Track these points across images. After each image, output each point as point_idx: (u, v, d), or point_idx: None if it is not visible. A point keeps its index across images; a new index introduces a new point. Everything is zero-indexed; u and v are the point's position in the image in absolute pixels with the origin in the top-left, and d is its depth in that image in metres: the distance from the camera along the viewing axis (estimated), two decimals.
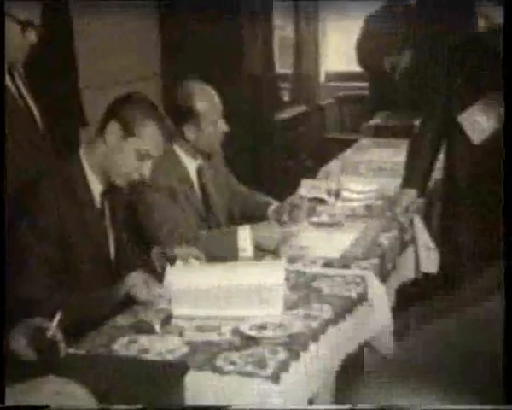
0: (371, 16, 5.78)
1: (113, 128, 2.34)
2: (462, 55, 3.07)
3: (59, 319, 1.87)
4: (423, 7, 5.26)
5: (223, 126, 2.91)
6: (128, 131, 2.34)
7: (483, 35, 2.99)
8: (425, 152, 3.18)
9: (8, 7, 2.46)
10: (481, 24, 2.93)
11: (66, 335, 1.90)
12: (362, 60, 5.70)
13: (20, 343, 1.85)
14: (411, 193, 3.13)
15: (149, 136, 2.35)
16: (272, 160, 5.52)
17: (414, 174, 3.18)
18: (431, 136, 3.16)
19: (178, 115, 2.81)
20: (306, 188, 3.51)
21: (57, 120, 2.87)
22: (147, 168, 2.38)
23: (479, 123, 2.97)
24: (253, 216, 3.04)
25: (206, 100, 2.86)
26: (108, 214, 2.44)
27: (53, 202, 2.27)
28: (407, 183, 3.17)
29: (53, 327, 1.86)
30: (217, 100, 2.89)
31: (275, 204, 3.10)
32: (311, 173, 5.67)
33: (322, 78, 6.81)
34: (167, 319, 2.19)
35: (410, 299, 3.16)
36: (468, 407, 2.20)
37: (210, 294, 2.25)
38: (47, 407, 1.57)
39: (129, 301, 2.30)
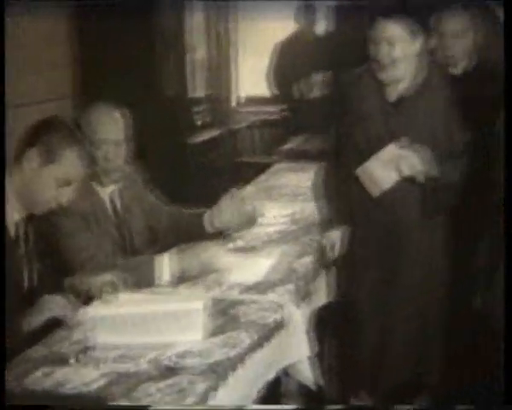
0: (284, 42, 5.87)
1: (32, 155, 2.28)
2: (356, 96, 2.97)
3: None
4: (338, 34, 5.36)
5: (132, 148, 2.88)
6: (48, 158, 2.28)
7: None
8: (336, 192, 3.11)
9: None
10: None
11: None
12: (275, 85, 5.78)
13: None
14: (335, 234, 3.10)
15: (69, 162, 2.31)
16: (186, 184, 5.49)
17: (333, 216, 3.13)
18: (336, 181, 3.10)
19: (87, 140, 2.76)
20: None
21: None
22: (66, 195, 2.33)
23: (377, 177, 2.90)
24: (187, 231, 3.01)
25: (113, 124, 2.83)
26: (24, 243, 2.37)
27: None
28: (329, 225, 3.13)
29: None
30: (125, 123, 2.86)
31: (208, 211, 3.09)
32: None
33: (235, 101, 6.85)
34: (83, 350, 2.13)
35: (325, 324, 3.20)
36: (468, 407, 2.27)
37: (128, 322, 2.21)
38: (49, 407, 1.52)
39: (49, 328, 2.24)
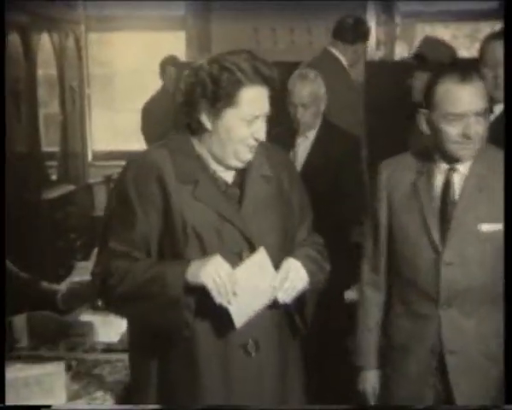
0: (150, 101, 5.89)
1: None
2: None
3: None
4: None
5: None
6: None
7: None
8: None
9: None
10: None
11: None
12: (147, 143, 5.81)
13: None
14: None
15: None
16: (42, 241, 5.35)
17: None
18: None
19: None
20: (81, 270, 3.45)
21: None
22: None
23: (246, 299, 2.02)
24: (38, 305, 2.90)
25: None
26: None
27: None
28: None
29: None
30: None
31: (62, 291, 2.98)
32: (83, 253, 5.60)
33: (90, 156, 6.78)
34: None
35: None
36: (468, 406, 2.19)
37: None
38: (47, 406, 1.42)
39: None
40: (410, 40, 6.29)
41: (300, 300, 2.12)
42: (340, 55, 4.30)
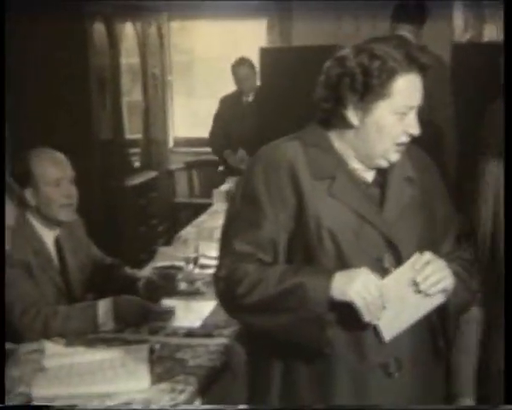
0: (224, 98, 5.92)
1: None
2: None
3: None
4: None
5: (70, 191, 2.84)
6: None
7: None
8: None
9: None
10: None
11: None
12: (212, 146, 5.86)
13: None
14: None
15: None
16: (125, 226, 5.46)
17: None
18: None
19: (21, 181, 2.74)
20: (163, 256, 3.51)
21: None
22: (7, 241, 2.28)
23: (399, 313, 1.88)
24: (121, 289, 2.95)
25: (53, 163, 2.81)
26: None
27: None
28: None
29: None
30: (64, 163, 2.84)
31: (143, 278, 3.03)
32: (164, 238, 5.69)
33: (171, 143, 6.86)
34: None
35: None
36: (468, 407, 2.03)
37: (73, 372, 2.18)
38: (47, 407, 1.46)
39: None
40: (499, 23, 6.09)
41: (442, 314, 1.92)
42: (413, 38, 4.10)
